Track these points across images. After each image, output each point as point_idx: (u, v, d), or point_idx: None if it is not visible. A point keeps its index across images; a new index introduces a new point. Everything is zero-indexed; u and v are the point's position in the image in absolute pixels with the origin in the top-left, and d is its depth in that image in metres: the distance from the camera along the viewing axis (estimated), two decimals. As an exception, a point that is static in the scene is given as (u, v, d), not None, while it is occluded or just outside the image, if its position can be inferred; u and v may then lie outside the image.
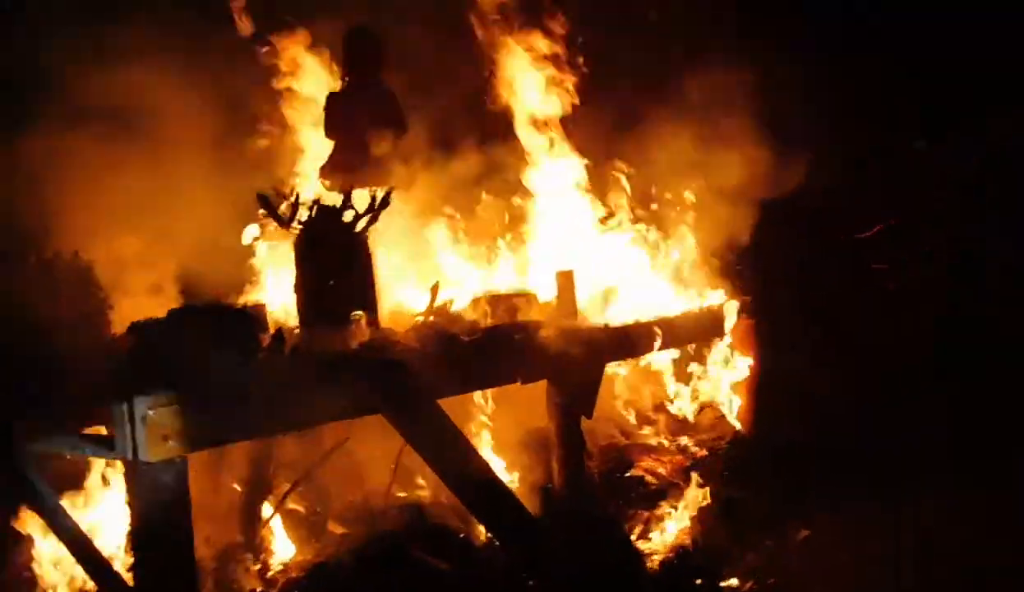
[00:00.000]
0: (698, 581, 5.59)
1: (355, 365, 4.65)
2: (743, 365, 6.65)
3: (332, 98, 5.76)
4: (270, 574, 4.92)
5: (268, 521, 5.00)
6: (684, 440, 6.44)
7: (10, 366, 4.24)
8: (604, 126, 6.99)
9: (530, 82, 6.49)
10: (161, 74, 5.46)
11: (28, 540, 4.85)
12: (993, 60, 8.68)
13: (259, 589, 4.84)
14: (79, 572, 4.75)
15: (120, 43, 5.44)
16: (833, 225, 8.43)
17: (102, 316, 4.61)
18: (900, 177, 9.47)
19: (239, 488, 5.00)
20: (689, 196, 6.78)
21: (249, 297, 5.46)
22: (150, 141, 5.47)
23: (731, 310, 6.51)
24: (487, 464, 5.06)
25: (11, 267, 4.61)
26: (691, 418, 6.62)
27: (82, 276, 4.59)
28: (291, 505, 5.11)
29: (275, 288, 5.67)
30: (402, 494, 5.36)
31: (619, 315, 5.95)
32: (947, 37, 8.82)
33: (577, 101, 6.58)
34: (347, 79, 5.82)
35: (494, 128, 6.61)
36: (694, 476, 6.09)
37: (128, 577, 4.14)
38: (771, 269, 6.98)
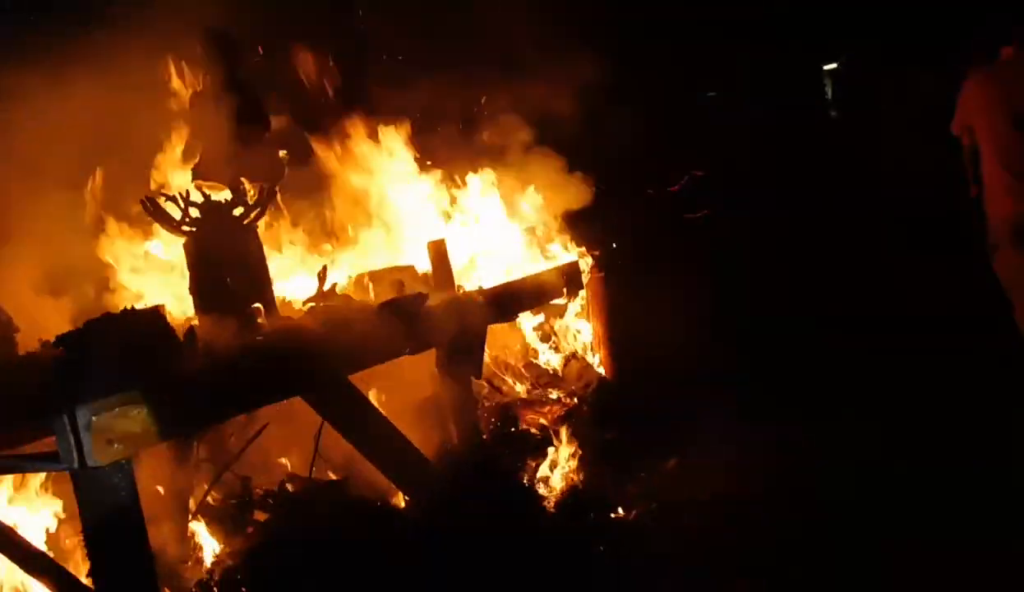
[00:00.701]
0: (591, 515, 6.04)
1: (267, 353, 4.82)
2: (601, 315, 7.13)
3: (195, 99, 5.77)
4: (204, 568, 4.99)
5: (193, 518, 5.06)
6: (557, 391, 6.84)
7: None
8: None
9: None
10: (27, 89, 5.37)
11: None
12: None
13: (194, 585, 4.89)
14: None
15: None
16: (651, 182, 9.13)
17: (11, 340, 4.56)
18: (702, 131, 10.28)
19: (161, 490, 5.01)
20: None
21: (143, 302, 5.43)
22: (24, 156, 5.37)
23: (584, 266, 6.97)
24: (400, 432, 5.28)
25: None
26: (560, 370, 7.02)
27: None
28: (213, 499, 5.17)
29: (162, 290, 5.65)
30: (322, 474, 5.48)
31: (491, 279, 6.30)
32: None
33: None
34: (207, 80, 5.83)
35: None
36: (571, 424, 6.51)
37: (88, 582, 4.18)
38: (610, 227, 7.49)
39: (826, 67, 11.45)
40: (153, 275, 5.66)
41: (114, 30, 5.71)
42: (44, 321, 4.99)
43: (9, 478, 4.89)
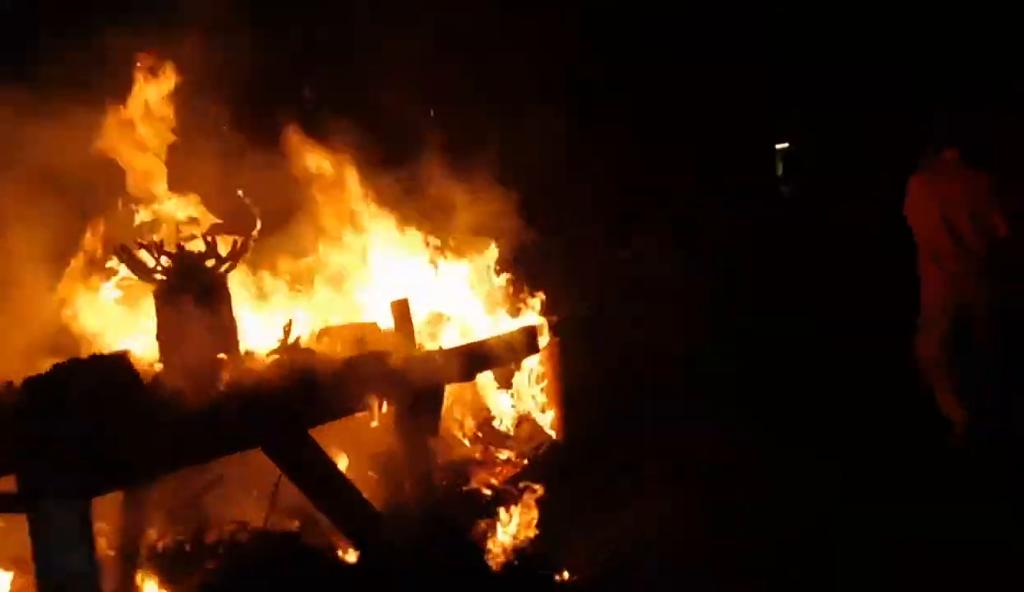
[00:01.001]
0: (535, 576, 6.13)
1: (229, 404, 4.89)
2: (554, 378, 7.27)
3: (171, 151, 5.86)
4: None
5: (140, 567, 5.07)
6: (507, 452, 6.95)
7: None
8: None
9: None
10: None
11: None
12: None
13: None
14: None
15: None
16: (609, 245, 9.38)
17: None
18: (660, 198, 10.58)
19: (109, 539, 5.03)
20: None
21: (105, 347, 5.46)
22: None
23: (543, 330, 7.12)
24: (354, 487, 5.36)
25: None
26: (511, 431, 7.14)
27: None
28: (163, 546, 5.19)
29: (123, 336, 5.69)
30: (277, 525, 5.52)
31: (452, 339, 6.42)
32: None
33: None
34: (180, 131, 5.93)
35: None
36: (520, 484, 6.62)
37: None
38: (567, 291, 7.68)
39: (778, 146, 11.84)
40: (119, 320, 5.69)
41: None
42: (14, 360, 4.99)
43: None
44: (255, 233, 5.50)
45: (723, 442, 7.30)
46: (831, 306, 9.40)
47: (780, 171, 12.06)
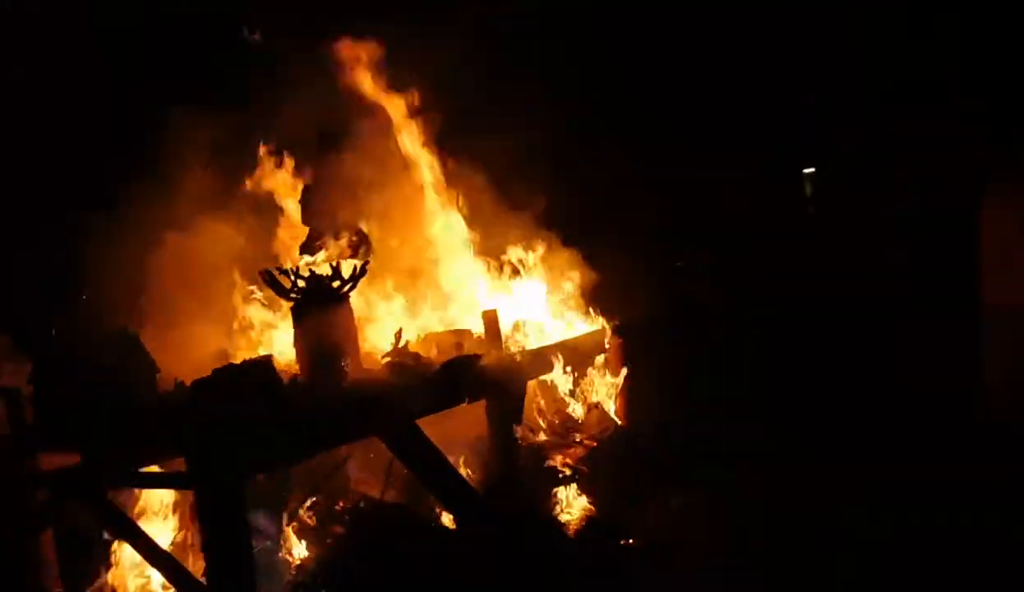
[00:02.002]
0: (603, 541, 6.13)
1: (354, 399, 5.02)
2: (618, 373, 7.28)
3: (305, 191, 6.02)
4: (292, 570, 5.15)
5: (287, 529, 5.23)
6: (580, 436, 6.96)
7: (90, 420, 4.40)
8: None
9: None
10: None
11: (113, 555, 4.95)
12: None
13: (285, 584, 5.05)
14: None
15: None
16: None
17: (152, 380, 4.77)
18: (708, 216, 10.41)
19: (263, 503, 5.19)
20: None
21: (256, 352, 5.64)
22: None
23: (608, 333, 7.13)
24: (452, 467, 5.44)
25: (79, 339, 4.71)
26: (582, 418, 7.15)
27: (133, 347, 4.73)
28: (303, 514, 5.34)
29: (269, 343, 5.87)
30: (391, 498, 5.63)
31: (532, 342, 6.47)
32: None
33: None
34: (311, 174, 6.08)
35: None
36: (590, 463, 6.64)
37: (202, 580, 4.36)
38: (628, 299, 7.64)
39: (806, 171, 11.59)
40: (269, 331, 5.87)
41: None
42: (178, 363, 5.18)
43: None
44: (370, 260, 5.59)
45: (770, 437, 6.98)
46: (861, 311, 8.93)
47: (808, 193, 11.75)
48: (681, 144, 10.05)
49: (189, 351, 5.55)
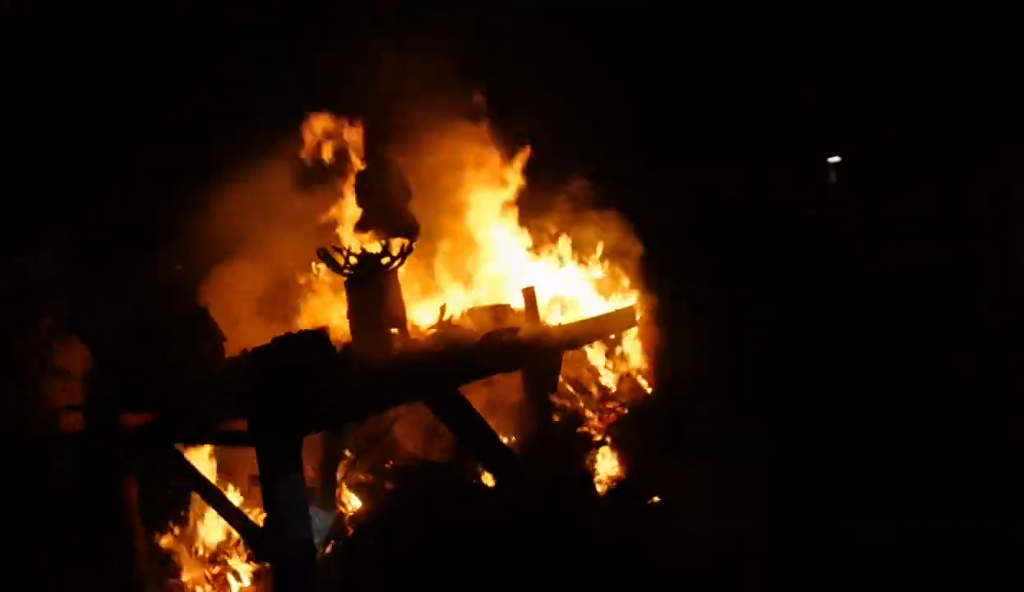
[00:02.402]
0: (633, 501, 6.16)
1: (400, 367, 5.10)
2: (645, 346, 7.26)
3: (359, 176, 6.08)
4: (347, 522, 5.26)
5: (341, 484, 5.34)
6: (612, 403, 6.98)
7: (162, 383, 4.54)
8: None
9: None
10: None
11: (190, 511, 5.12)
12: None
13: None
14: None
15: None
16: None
17: (219, 348, 4.88)
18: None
19: (319, 463, 5.30)
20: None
21: (313, 322, 5.74)
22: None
23: (639, 308, 7.11)
24: (492, 431, 5.49)
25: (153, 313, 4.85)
26: (615, 387, 7.16)
27: (204, 319, 4.85)
28: (356, 472, 5.45)
29: (325, 314, 5.97)
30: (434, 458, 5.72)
31: (568, 317, 6.49)
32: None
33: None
34: (368, 161, 6.12)
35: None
36: (621, 428, 6.66)
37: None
38: (660, 280, 7.59)
39: (830, 160, 11.30)
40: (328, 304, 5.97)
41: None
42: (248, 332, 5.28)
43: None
44: (417, 238, 5.64)
45: (770, 434, 6.77)
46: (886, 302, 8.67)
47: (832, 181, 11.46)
48: (686, 145, 9.91)
49: (256, 323, 5.69)
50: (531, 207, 7.30)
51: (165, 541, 5.05)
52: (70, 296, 4.76)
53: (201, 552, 5.08)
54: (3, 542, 4.48)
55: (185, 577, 5.03)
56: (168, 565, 5.03)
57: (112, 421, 4.60)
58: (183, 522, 5.13)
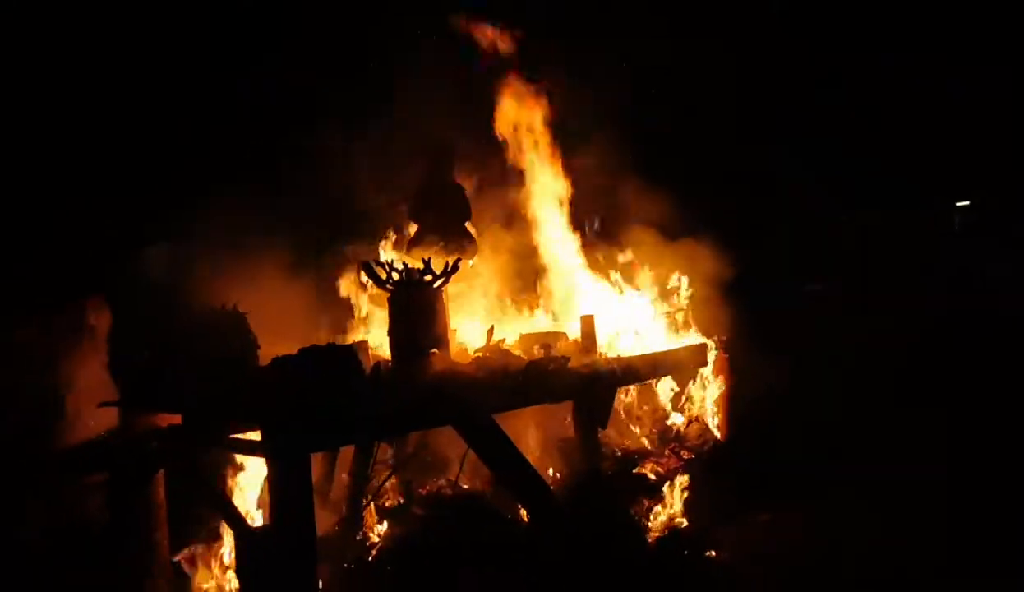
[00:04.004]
0: (685, 551, 5.66)
1: (432, 389, 4.83)
2: (720, 388, 6.74)
3: (416, 193, 5.94)
4: (369, 544, 5.04)
5: (367, 505, 5.13)
6: (677, 446, 6.49)
7: (191, 386, 4.47)
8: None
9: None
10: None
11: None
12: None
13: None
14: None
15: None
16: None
17: (253, 354, 4.79)
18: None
19: (348, 480, 5.12)
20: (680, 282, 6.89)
21: (355, 336, 5.61)
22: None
23: (711, 347, 6.61)
24: (528, 463, 5.14)
25: (189, 318, 4.81)
26: (682, 429, 6.68)
27: (239, 324, 4.77)
28: (384, 494, 5.23)
29: (371, 330, 5.82)
30: (466, 486, 5.43)
31: (629, 350, 6.08)
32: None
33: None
34: (427, 177, 5.98)
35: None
36: (684, 474, 6.16)
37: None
38: (735, 318, 7.06)
39: (958, 204, 10.38)
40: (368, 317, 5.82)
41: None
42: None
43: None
44: (463, 258, 5.40)
45: (877, 462, 6.35)
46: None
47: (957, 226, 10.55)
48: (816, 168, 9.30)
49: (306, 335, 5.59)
50: (607, 234, 6.97)
51: (188, 549, 4.96)
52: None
53: (226, 561, 4.95)
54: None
55: (205, 585, 4.93)
56: (190, 576, 4.93)
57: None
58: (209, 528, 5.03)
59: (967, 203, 10.39)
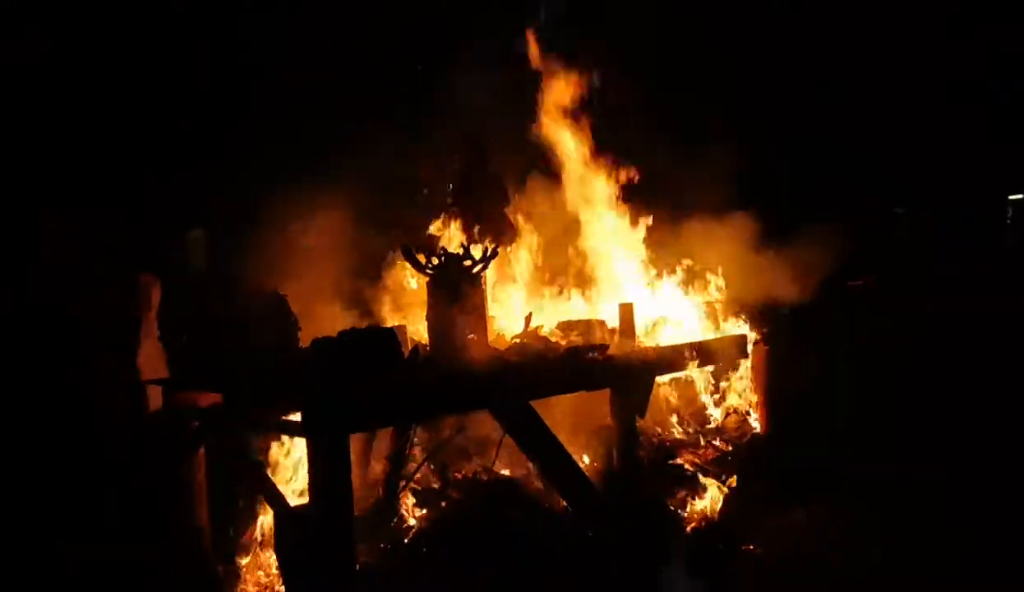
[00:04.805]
0: (720, 544, 5.60)
1: (469, 374, 4.83)
2: (762, 381, 6.63)
3: (456, 180, 5.92)
4: (405, 526, 5.05)
5: (403, 489, 5.14)
6: (714, 438, 6.42)
7: (233, 366, 4.52)
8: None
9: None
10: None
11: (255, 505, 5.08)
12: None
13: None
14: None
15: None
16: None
17: (294, 336, 4.81)
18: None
19: (385, 462, 5.14)
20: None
21: (395, 320, 5.62)
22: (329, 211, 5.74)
23: (751, 339, 6.51)
24: (564, 450, 5.12)
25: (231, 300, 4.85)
26: (720, 421, 6.60)
27: (280, 306, 4.80)
28: (419, 478, 5.23)
29: (411, 314, 5.82)
30: (504, 471, 5.42)
31: (667, 339, 6.01)
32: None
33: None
34: (466, 167, 5.97)
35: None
36: (721, 466, 6.09)
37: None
38: (778, 311, 6.94)
39: (1011, 197, 10.08)
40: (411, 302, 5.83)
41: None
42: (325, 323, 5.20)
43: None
44: (502, 243, 5.37)
45: (912, 463, 6.21)
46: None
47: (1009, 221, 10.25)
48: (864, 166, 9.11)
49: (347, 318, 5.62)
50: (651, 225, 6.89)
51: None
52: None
53: (260, 539, 5.00)
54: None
55: (243, 561, 4.98)
56: (233, 545, 4.98)
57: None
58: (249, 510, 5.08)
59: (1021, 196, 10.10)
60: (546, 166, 6.50)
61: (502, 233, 5.70)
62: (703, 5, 8.43)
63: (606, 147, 6.64)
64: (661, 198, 6.72)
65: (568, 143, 6.53)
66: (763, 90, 8.65)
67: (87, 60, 6.50)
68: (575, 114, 6.49)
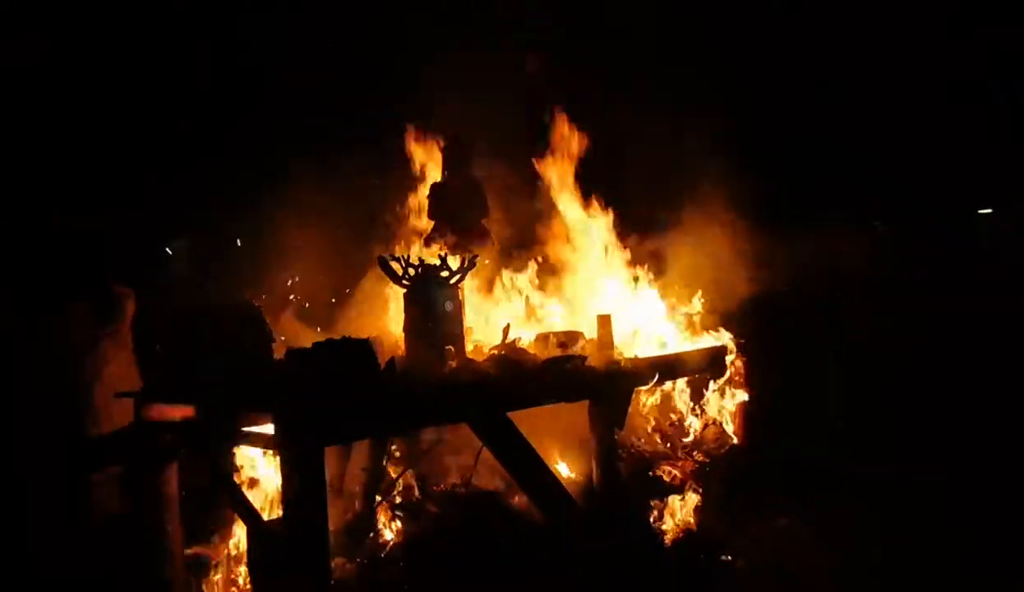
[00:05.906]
0: (701, 556, 5.57)
1: (446, 386, 4.77)
2: (739, 393, 6.63)
3: (434, 188, 5.88)
4: (382, 541, 4.98)
5: (380, 503, 5.07)
6: (693, 449, 6.40)
7: (205, 378, 4.43)
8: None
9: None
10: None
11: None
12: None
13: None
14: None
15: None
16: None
17: (268, 347, 4.74)
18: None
19: (362, 475, 5.07)
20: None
21: (371, 332, 5.55)
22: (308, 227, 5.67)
23: (730, 350, 6.50)
24: (543, 462, 5.06)
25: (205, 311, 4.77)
26: (699, 432, 6.57)
27: (254, 317, 4.72)
28: (397, 491, 5.16)
29: (388, 326, 5.76)
30: (484, 483, 5.37)
31: (645, 350, 5.98)
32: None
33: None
34: (445, 174, 5.93)
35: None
36: (700, 477, 6.06)
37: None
38: (757, 323, 6.93)
39: (981, 211, 10.16)
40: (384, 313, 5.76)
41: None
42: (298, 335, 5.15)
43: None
44: (479, 255, 5.33)
45: (894, 469, 6.21)
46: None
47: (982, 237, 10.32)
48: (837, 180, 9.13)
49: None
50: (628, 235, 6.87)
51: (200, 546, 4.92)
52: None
53: (234, 553, 4.91)
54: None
55: (216, 577, 4.88)
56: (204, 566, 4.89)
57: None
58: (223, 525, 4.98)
59: (990, 211, 10.18)
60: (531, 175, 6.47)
61: (481, 243, 5.66)
62: (703, 5, 8.41)
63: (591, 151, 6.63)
64: (644, 204, 6.69)
65: (552, 168, 6.51)
66: (762, 90, 8.65)
67: (86, 60, 6.41)
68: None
